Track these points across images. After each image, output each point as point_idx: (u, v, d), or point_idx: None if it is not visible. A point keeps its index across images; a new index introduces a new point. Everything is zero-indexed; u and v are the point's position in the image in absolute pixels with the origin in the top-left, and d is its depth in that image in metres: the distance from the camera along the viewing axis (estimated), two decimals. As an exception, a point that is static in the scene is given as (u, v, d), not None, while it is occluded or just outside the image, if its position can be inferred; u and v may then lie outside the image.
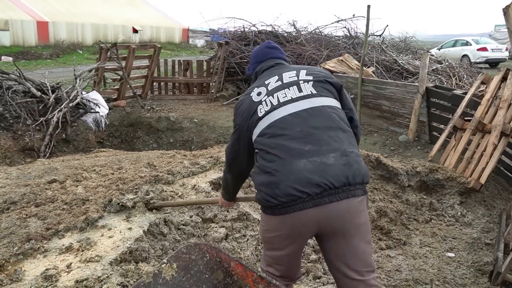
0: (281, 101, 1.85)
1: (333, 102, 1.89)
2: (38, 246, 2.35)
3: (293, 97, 1.85)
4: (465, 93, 5.39)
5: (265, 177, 1.76)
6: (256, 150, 1.88)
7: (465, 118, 4.93)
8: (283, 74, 1.96)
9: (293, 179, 1.67)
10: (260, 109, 1.87)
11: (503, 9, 2.79)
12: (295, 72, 1.96)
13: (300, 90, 1.87)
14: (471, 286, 2.91)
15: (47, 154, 5.83)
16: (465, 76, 10.74)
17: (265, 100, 1.88)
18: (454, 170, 4.48)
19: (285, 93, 1.87)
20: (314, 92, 1.87)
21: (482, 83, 5.24)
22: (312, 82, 1.90)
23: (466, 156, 4.54)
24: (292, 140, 1.75)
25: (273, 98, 1.87)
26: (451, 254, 3.34)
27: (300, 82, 1.90)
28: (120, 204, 2.79)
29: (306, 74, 1.94)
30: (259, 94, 1.93)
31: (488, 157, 4.26)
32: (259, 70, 2.10)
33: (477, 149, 4.52)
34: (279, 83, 1.92)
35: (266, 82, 1.95)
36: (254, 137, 1.88)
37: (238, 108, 1.99)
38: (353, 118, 1.98)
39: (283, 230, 1.79)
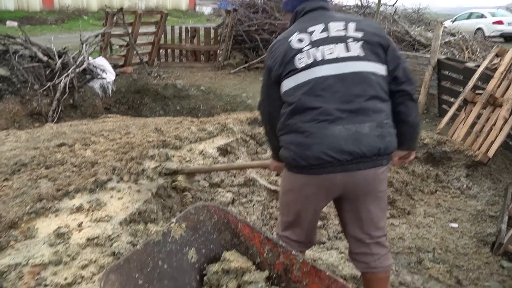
0: (325, 58, 1.70)
1: (378, 68, 1.75)
2: (50, 205, 2.40)
3: (339, 57, 1.71)
4: (478, 66, 5.29)
5: (297, 136, 1.70)
6: (288, 104, 1.75)
7: (476, 92, 4.86)
8: (330, 24, 1.78)
9: (326, 144, 1.64)
10: (300, 59, 1.72)
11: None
12: (343, 24, 1.78)
13: (347, 50, 1.72)
14: (473, 256, 2.95)
15: (55, 119, 5.86)
16: (478, 49, 10.49)
17: (307, 51, 1.72)
18: (462, 143, 4.45)
19: (331, 50, 1.72)
20: (362, 54, 1.72)
21: (497, 55, 5.12)
22: (361, 42, 1.74)
23: (475, 130, 4.50)
24: (330, 104, 1.66)
25: (317, 51, 1.72)
26: (455, 225, 3.38)
27: (349, 40, 1.74)
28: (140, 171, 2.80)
29: (356, 30, 1.76)
30: (300, 41, 1.75)
31: (498, 131, 4.22)
32: (301, 10, 1.88)
33: (487, 122, 4.48)
34: (325, 34, 1.75)
35: (310, 30, 1.77)
36: (285, 88, 1.76)
37: (273, 49, 1.83)
38: (398, 77, 1.79)
39: (308, 189, 1.77)
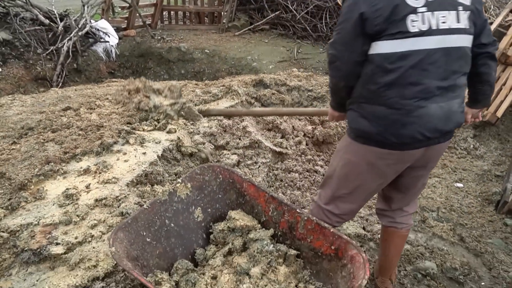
0: (439, 27, 1.51)
1: (471, 41, 1.63)
2: (58, 168, 2.44)
3: (450, 27, 1.53)
4: (491, 23, 5.11)
5: (391, 112, 1.56)
6: (385, 71, 1.53)
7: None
8: None
9: (423, 124, 1.56)
10: (413, 21, 1.48)
11: None
12: None
13: (458, 20, 1.55)
14: (477, 214, 2.98)
15: (60, 84, 5.84)
16: (492, 6, 10.09)
17: (422, 14, 1.49)
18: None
19: (445, 18, 1.52)
20: (467, 27, 1.58)
21: (511, 11, 4.93)
22: (469, 12, 1.58)
23: (485, 89, 4.41)
24: (433, 81, 1.53)
25: (433, 17, 1.50)
26: (460, 185, 3.39)
27: (459, 8, 1.56)
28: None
29: None
30: None
31: (508, 90, 4.14)
32: None
33: (497, 81, 4.38)
34: None
35: None
36: (385, 49, 1.51)
37: None
38: (484, 41, 1.68)
39: (383, 164, 1.69)
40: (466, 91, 1.76)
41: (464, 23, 1.57)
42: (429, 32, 1.50)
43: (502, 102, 4.10)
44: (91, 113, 3.39)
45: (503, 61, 4.42)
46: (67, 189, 2.23)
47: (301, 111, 1.87)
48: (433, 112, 1.55)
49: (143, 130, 3.02)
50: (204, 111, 2.43)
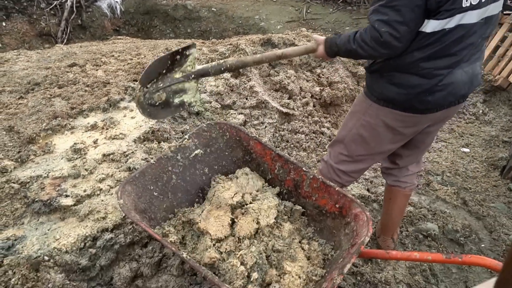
0: (482, 0, 1.48)
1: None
2: (65, 123, 2.45)
3: None
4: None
5: (423, 80, 1.57)
6: (426, 45, 1.51)
7: (504, 12, 4.55)
8: None
9: (450, 90, 1.59)
10: None
11: None
12: None
13: None
14: (481, 179, 2.99)
15: (64, 40, 5.77)
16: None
17: None
18: (482, 67, 4.28)
19: None
20: None
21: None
22: None
23: (498, 53, 4.30)
24: (465, 50, 1.54)
25: None
26: (466, 150, 3.38)
27: None
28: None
29: None
30: None
31: (522, 54, 4.02)
32: None
33: (511, 46, 4.25)
34: None
35: None
36: (436, 27, 1.47)
37: None
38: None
39: (404, 125, 1.72)
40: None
41: None
42: (478, 5, 1.47)
43: (515, 67, 4.00)
44: (97, 70, 3.36)
45: (519, 24, 4.28)
46: (75, 143, 2.25)
47: (289, 53, 1.73)
48: (459, 78, 1.58)
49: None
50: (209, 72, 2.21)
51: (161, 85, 1.75)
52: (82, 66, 3.45)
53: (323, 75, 3.56)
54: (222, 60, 1.81)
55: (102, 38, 6.21)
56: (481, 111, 3.90)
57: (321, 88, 3.43)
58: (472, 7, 1.46)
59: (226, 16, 7.00)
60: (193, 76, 1.79)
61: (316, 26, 6.70)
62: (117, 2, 6.73)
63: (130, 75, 3.14)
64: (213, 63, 1.81)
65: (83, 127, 2.46)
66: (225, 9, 7.18)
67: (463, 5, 1.44)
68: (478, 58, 1.64)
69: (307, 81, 3.47)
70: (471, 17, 1.48)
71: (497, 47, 4.38)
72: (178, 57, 1.74)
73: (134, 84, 2.97)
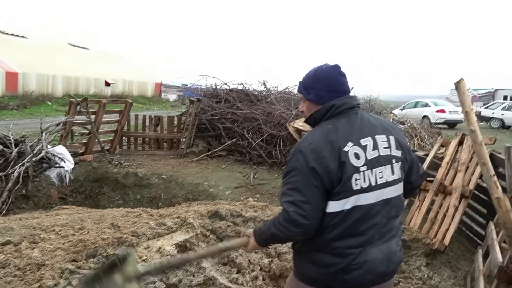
0: (378, 182, 1.64)
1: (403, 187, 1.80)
2: (-17, 319, 2.16)
3: (388, 181, 1.67)
4: (427, 155, 5.65)
5: (337, 259, 1.64)
6: (333, 225, 1.62)
7: (428, 179, 5.12)
8: (376, 138, 1.68)
9: (366, 269, 1.64)
10: (356, 180, 1.59)
11: (455, 84, 3.03)
12: (385, 138, 1.70)
13: (393, 173, 1.70)
14: None
15: (4, 211, 5.52)
16: (426, 136, 11.31)
17: (363, 172, 1.61)
18: (419, 231, 4.56)
19: (382, 172, 1.66)
20: (400, 176, 1.74)
21: (442, 145, 5.52)
22: (400, 163, 1.73)
23: (430, 217, 4.66)
24: (375, 230, 1.66)
25: (372, 174, 1.63)
26: (420, 319, 3.31)
27: (393, 160, 1.70)
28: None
29: (396, 148, 1.72)
30: (357, 157, 1.61)
31: (450, 219, 4.38)
32: (340, 107, 1.68)
33: (440, 209, 4.66)
34: (376, 153, 1.65)
35: (363, 143, 1.63)
36: (332, 209, 1.61)
37: (317, 152, 1.58)
38: (413, 179, 1.85)
39: None
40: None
41: (397, 173, 1.73)
42: (370, 188, 1.63)
43: (447, 230, 4.31)
44: (33, 249, 3.16)
45: (442, 191, 4.78)
46: None
47: (224, 248, 1.85)
48: (374, 257, 1.66)
49: (89, 268, 2.82)
50: (149, 272, 2.16)
51: None
52: (17, 245, 3.24)
53: (271, 246, 3.58)
54: (165, 260, 1.83)
55: (46, 207, 6.04)
56: (426, 275, 3.99)
57: (270, 259, 3.42)
58: (364, 190, 1.61)
59: (176, 183, 7.23)
60: (135, 278, 1.74)
61: (263, 191, 7.05)
62: (67, 171, 6.81)
63: (69, 255, 2.97)
64: (156, 262, 1.82)
65: (4, 324, 2.17)
66: (175, 176, 7.47)
67: (354, 188, 1.59)
68: (393, 236, 1.74)
69: (256, 252, 3.46)
70: (367, 199, 1.62)
71: (428, 210, 4.77)
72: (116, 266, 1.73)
73: (72, 265, 2.80)
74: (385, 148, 1.68)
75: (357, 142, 1.63)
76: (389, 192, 1.69)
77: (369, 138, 1.66)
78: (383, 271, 1.69)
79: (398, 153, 1.73)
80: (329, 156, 1.58)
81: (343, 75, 1.73)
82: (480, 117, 22.21)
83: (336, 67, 1.73)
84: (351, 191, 1.60)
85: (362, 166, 1.61)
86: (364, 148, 1.63)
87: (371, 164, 1.63)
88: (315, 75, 1.73)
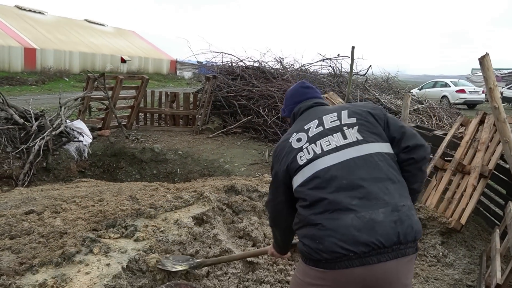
0: (324, 150, 1.73)
1: (381, 147, 1.74)
2: (10, 282, 2.25)
3: (338, 145, 1.73)
4: (445, 134, 5.55)
5: (309, 229, 1.67)
6: (299, 199, 1.76)
7: (446, 159, 5.05)
8: (324, 117, 1.85)
9: (339, 236, 1.56)
10: (301, 156, 1.76)
11: (479, 59, 2.94)
12: (336, 114, 1.84)
13: (344, 137, 1.75)
14: (454, 330, 2.88)
15: (26, 183, 5.68)
16: (444, 116, 11.08)
17: (306, 148, 1.77)
18: (435, 210, 4.53)
19: (328, 141, 1.76)
20: (360, 138, 1.74)
21: (461, 125, 5.41)
22: (357, 126, 1.77)
23: (447, 196, 4.61)
24: (338, 193, 1.63)
25: (316, 146, 1.76)
26: (434, 296, 3.32)
27: (344, 127, 1.78)
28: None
29: (349, 116, 1.81)
30: (299, 140, 1.82)
31: (468, 198, 4.33)
32: (298, 112, 2.01)
33: (457, 189, 4.60)
34: (321, 128, 1.81)
35: (306, 127, 1.85)
36: (294, 186, 1.78)
37: (276, 153, 1.90)
38: (406, 145, 1.76)
39: (323, 283, 1.66)
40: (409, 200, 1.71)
41: (354, 136, 1.75)
42: (316, 157, 1.73)
43: (464, 209, 4.26)
44: (55, 218, 3.26)
45: (460, 170, 4.71)
46: (17, 308, 2.04)
47: (251, 253, 2.51)
48: (349, 223, 1.56)
49: (109, 237, 2.90)
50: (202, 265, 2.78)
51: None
52: (40, 214, 3.35)
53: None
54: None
55: (66, 180, 6.19)
56: (441, 253, 3.98)
57: (285, 234, 3.45)
58: (312, 160, 1.73)
59: (192, 159, 7.30)
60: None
61: (278, 168, 7.06)
62: (85, 145, 6.93)
63: (90, 224, 3.05)
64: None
65: (30, 286, 2.26)
66: (191, 152, 7.53)
67: (300, 163, 1.75)
68: (380, 205, 1.59)
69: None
70: (316, 167, 1.71)
71: (445, 190, 4.72)
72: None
73: (93, 234, 2.88)
74: (332, 121, 1.82)
75: (301, 129, 1.86)
76: (347, 153, 1.71)
77: (315, 120, 1.86)
78: (364, 242, 1.53)
79: (351, 120, 1.80)
80: (281, 151, 1.87)
81: (306, 87, 2.09)
82: (502, 98, 21.61)
83: (301, 83, 2.12)
84: (301, 166, 1.76)
85: (305, 144, 1.80)
86: (307, 130, 1.84)
87: (314, 138, 1.79)
88: (285, 96, 2.14)
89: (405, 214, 1.61)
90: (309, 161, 1.73)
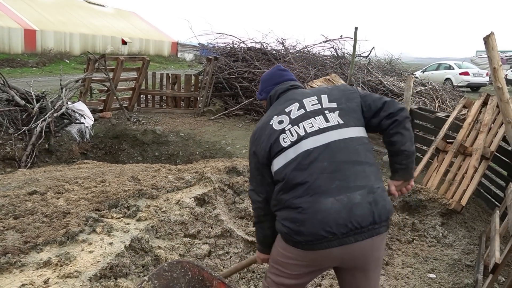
0: (308, 131, 1.76)
1: (359, 132, 1.80)
2: (15, 260, 2.29)
3: (321, 127, 1.76)
4: (448, 116, 5.52)
5: (289, 212, 1.69)
6: (279, 181, 1.76)
7: (447, 141, 5.04)
8: (304, 100, 1.87)
9: (320, 219, 1.61)
10: (284, 138, 1.77)
11: (484, 38, 2.90)
12: (316, 98, 1.87)
13: (327, 120, 1.78)
14: (452, 308, 2.93)
15: (28, 164, 5.72)
16: (447, 99, 11.01)
17: (289, 130, 1.78)
18: (436, 191, 4.54)
19: (311, 123, 1.78)
20: (341, 122, 1.78)
21: (464, 107, 5.38)
22: (338, 111, 1.81)
23: (448, 178, 4.62)
24: (319, 175, 1.67)
25: (299, 128, 1.78)
26: (433, 276, 3.37)
27: (325, 111, 1.81)
28: None
29: (329, 101, 1.85)
30: (280, 122, 1.82)
31: (469, 180, 4.34)
32: (274, 94, 2.00)
33: (459, 171, 4.61)
34: (302, 111, 1.83)
35: (287, 110, 1.85)
36: (276, 167, 1.78)
37: (256, 136, 1.88)
38: (387, 112, 1.81)
39: (302, 261, 1.74)
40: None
41: (335, 120, 1.78)
42: (300, 139, 1.75)
43: (465, 191, 4.28)
44: (58, 198, 3.29)
45: (462, 152, 4.71)
46: (22, 285, 2.07)
47: (243, 265, 2.36)
48: (329, 206, 1.62)
49: (112, 217, 2.93)
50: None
51: None
52: (43, 194, 3.38)
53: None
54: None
55: (68, 162, 6.22)
56: (441, 234, 4.01)
57: (286, 214, 3.47)
58: (296, 142, 1.74)
59: (194, 141, 7.31)
60: None
61: (279, 150, 7.07)
62: (87, 127, 6.94)
63: (93, 204, 3.08)
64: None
65: (34, 264, 2.30)
66: (192, 134, 7.54)
67: (284, 145, 1.75)
68: (358, 187, 1.65)
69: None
70: (298, 149, 1.73)
71: (446, 172, 4.73)
72: None
73: (95, 214, 2.91)
74: (313, 105, 1.84)
75: (281, 112, 1.86)
76: (328, 136, 1.73)
77: (295, 103, 1.86)
78: (343, 223, 1.60)
79: (332, 105, 1.83)
80: (261, 134, 1.84)
81: (283, 70, 2.10)
82: (506, 80, 21.38)
83: (277, 66, 2.13)
84: (284, 147, 1.76)
85: (287, 125, 1.80)
86: (289, 112, 1.84)
87: (296, 121, 1.80)
88: (261, 79, 2.13)
89: (380, 195, 1.69)
90: (293, 143, 1.75)
